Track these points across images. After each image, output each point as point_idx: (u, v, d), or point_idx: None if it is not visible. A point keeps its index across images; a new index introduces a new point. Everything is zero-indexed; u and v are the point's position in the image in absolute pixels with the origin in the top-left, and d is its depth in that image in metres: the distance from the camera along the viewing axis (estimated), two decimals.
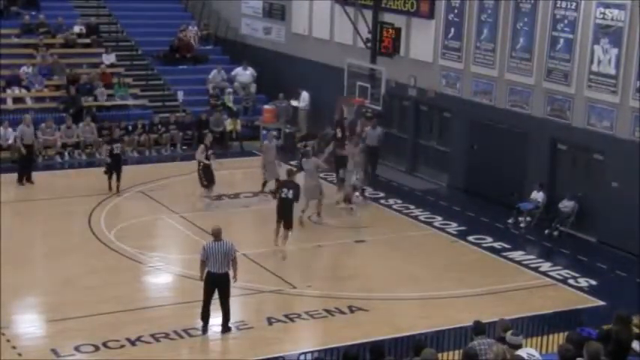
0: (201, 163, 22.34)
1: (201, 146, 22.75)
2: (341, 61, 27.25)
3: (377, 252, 19.70)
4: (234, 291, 15.51)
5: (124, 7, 33.56)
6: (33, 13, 31.70)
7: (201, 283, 15.15)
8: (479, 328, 11.24)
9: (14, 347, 14.51)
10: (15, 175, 23.96)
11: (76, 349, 14.48)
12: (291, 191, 19.03)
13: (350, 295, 17.00)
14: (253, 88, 31.34)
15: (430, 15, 25.46)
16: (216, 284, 14.97)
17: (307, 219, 21.13)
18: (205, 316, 15.18)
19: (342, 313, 16.31)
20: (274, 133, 26.38)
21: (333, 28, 29.35)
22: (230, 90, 30.80)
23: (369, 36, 27.04)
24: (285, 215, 19.06)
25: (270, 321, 15.83)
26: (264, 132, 28.08)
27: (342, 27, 28.69)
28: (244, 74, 31.26)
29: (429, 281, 18.26)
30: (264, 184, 22.99)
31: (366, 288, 17.53)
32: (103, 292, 16.84)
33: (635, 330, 11.40)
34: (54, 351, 14.43)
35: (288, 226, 19.13)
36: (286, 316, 16.07)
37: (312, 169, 21.27)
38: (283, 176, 20.87)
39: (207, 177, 22.40)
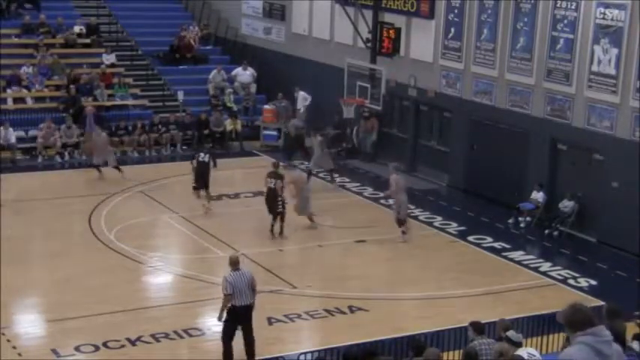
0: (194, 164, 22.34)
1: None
2: (341, 61, 27.28)
3: (377, 252, 19.70)
4: None
5: (124, 7, 33.56)
6: (34, 12, 31.72)
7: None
8: (478, 328, 11.24)
9: (14, 347, 14.52)
10: (17, 175, 23.99)
11: (76, 349, 14.49)
12: (275, 181, 19.90)
13: (350, 295, 17.01)
14: (253, 88, 31.34)
15: (430, 15, 25.48)
16: (241, 318, 13.73)
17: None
18: (229, 357, 13.80)
19: (342, 313, 16.32)
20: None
21: (333, 28, 29.36)
22: (230, 90, 30.81)
23: (369, 36, 27.06)
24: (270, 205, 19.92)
25: (270, 321, 15.83)
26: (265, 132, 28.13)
27: (342, 27, 28.71)
28: (244, 74, 31.26)
29: (429, 281, 18.27)
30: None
31: (366, 288, 17.54)
32: (103, 292, 16.86)
33: (635, 329, 11.40)
34: (54, 351, 14.45)
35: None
36: (286, 316, 16.08)
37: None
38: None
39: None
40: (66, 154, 26.76)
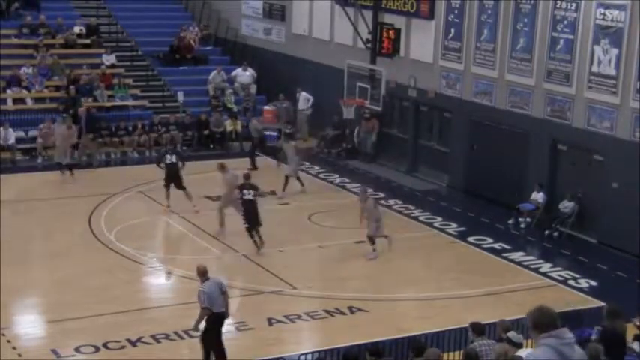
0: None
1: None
2: (341, 61, 27.28)
3: (377, 252, 19.66)
4: (234, 292, 15.49)
5: (124, 8, 33.56)
6: (34, 13, 31.72)
7: None
8: (478, 329, 11.24)
9: (15, 348, 14.51)
10: (17, 175, 23.99)
11: (77, 349, 14.49)
12: (251, 192, 19.37)
13: (350, 296, 17.01)
14: (253, 88, 31.34)
15: (430, 15, 25.48)
16: (218, 325, 13.77)
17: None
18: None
19: (343, 313, 16.31)
20: None
21: (333, 29, 29.37)
22: (230, 91, 30.82)
23: (369, 37, 27.06)
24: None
25: (270, 321, 15.84)
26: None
27: (342, 28, 28.71)
28: (244, 75, 31.26)
29: (429, 282, 18.27)
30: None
31: (366, 289, 17.54)
32: (103, 292, 16.86)
33: (635, 330, 11.40)
34: (54, 351, 14.44)
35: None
36: (286, 316, 16.08)
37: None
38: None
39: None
40: (67, 154, 26.68)
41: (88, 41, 31.40)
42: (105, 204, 22.37)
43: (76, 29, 31.53)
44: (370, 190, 21.99)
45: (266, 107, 30.08)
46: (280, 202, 23.04)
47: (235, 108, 30.41)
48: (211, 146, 28.55)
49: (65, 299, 16.58)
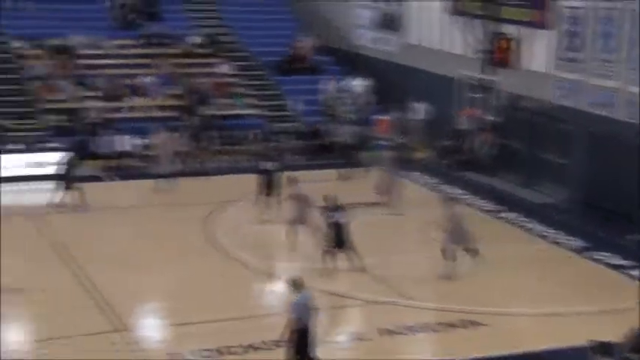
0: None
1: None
2: (454, 71, 27.06)
3: (492, 265, 19.33)
4: (347, 302, 15.43)
5: (240, 18, 34.12)
6: (153, 23, 32.57)
7: None
8: (604, 349, 10.92)
9: (132, 351, 14.81)
10: (134, 182, 24.58)
11: (193, 353, 14.69)
12: (340, 213, 18.33)
13: (465, 309, 16.76)
14: (367, 99, 31.36)
15: (545, 25, 24.99)
16: (307, 338, 13.50)
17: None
18: None
19: (459, 326, 16.08)
20: None
21: (447, 39, 29.13)
22: (344, 100, 30.90)
23: (483, 47, 26.75)
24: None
25: (384, 333, 15.73)
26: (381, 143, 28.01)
27: (455, 37, 28.47)
28: (358, 85, 31.33)
29: (547, 296, 17.85)
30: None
31: (482, 302, 17.26)
32: (220, 298, 17.07)
33: None
34: (170, 355, 14.67)
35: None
36: (400, 327, 15.94)
37: None
38: None
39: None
40: (183, 162, 27.26)
41: (205, 51, 32.04)
42: (219, 211, 22.69)
43: (195, 39, 32.23)
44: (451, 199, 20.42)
45: (379, 117, 30.05)
46: (392, 212, 22.93)
47: (348, 117, 30.48)
48: (325, 155, 28.66)
49: (183, 304, 16.86)
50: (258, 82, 31.68)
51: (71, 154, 23.56)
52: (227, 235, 20.86)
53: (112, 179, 25.82)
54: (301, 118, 30.25)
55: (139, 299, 17.09)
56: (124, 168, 26.63)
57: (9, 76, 29.45)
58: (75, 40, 30.98)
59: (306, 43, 33.27)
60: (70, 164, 23.09)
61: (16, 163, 25.05)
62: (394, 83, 30.99)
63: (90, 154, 26.37)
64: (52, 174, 23.56)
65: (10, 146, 26.24)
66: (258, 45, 33.13)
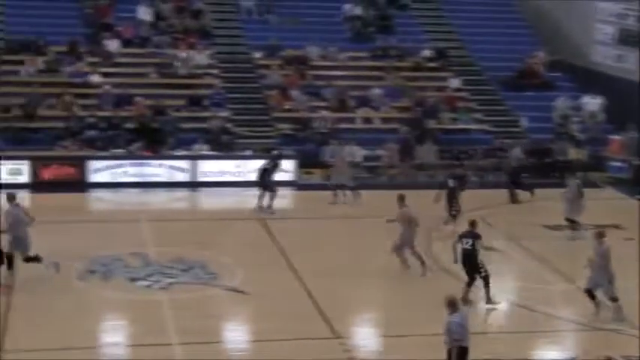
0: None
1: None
2: None
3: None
4: (567, 325, 14.78)
5: (473, 32, 33.84)
6: (385, 36, 33.00)
7: None
8: None
9: (350, 358, 14.95)
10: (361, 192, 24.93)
11: None
12: (469, 241, 17.30)
13: None
14: (601, 117, 30.22)
15: None
16: (465, 358, 13.25)
17: None
18: None
19: None
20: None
21: None
22: (576, 118, 29.94)
23: None
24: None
25: None
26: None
27: None
28: (592, 103, 30.28)
29: None
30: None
31: None
32: (433, 313, 16.81)
33: None
34: None
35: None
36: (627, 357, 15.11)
37: None
38: None
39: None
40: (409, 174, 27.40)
41: (435, 65, 32.06)
42: (439, 225, 22.44)
43: (425, 53, 32.34)
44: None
45: (613, 137, 28.83)
46: (625, 237, 21.84)
47: (581, 136, 29.46)
48: (553, 174, 27.83)
49: (398, 316, 16.83)
50: (485, 97, 31.32)
51: (275, 159, 24.30)
52: (445, 250, 20.62)
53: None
54: (529, 135, 29.55)
55: (353, 308, 17.21)
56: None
57: (248, 85, 30.80)
58: (310, 51, 31.93)
59: (539, 59, 32.51)
60: (273, 169, 23.85)
61: (250, 168, 25.85)
62: (630, 102, 29.59)
63: (317, 163, 26.99)
64: (281, 180, 24.34)
65: (242, 152, 27.36)
66: (488, 60, 32.73)
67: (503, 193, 26.00)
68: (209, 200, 26.17)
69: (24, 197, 24.85)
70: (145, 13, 32.04)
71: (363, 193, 25.36)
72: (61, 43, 30.45)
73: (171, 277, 18.25)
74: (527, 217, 22.88)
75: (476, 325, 16.45)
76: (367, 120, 29.92)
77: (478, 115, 30.47)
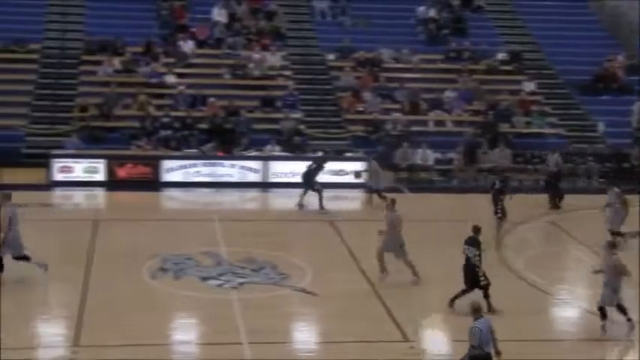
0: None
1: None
2: None
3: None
4: None
5: (549, 35, 33.43)
6: (459, 39, 32.79)
7: None
8: None
9: None
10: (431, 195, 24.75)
11: None
12: (470, 249, 16.78)
13: None
14: None
15: None
16: None
17: None
18: None
19: None
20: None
21: None
22: None
23: None
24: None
25: None
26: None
27: None
28: None
29: None
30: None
31: None
32: (506, 319, 16.58)
33: None
34: None
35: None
36: None
37: None
38: None
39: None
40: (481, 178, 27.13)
41: (509, 68, 31.73)
42: (512, 231, 22.19)
43: (499, 55, 32.04)
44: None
45: None
46: None
47: None
48: (631, 180, 27.28)
49: (467, 321, 16.61)
50: (560, 101, 30.85)
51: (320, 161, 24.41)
52: (520, 255, 20.41)
53: (402, 191, 25.85)
54: (606, 140, 29.03)
55: (424, 312, 17.10)
56: (416, 181, 26.88)
57: (321, 86, 30.90)
58: (383, 53, 31.89)
59: (618, 62, 31.90)
60: (316, 170, 23.94)
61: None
62: None
63: (389, 165, 26.91)
64: (349, 182, 24.38)
65: (314, 154, 27.42)
66: (564, 63, 32.27)
67: (578, 198, 25.59)
68: (280, 201, 26.30)
69: (99, 195, 25.48)
70: (219, 15, 32.40)
71: (435, 196, 25.24)
72: (137, 44, 31.00)
73: (242, 277, 18.38)
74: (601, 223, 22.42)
75: (548, 332, 16.32)
76: (439, 123, 29.74)
77: (552, 119, 30.03)
